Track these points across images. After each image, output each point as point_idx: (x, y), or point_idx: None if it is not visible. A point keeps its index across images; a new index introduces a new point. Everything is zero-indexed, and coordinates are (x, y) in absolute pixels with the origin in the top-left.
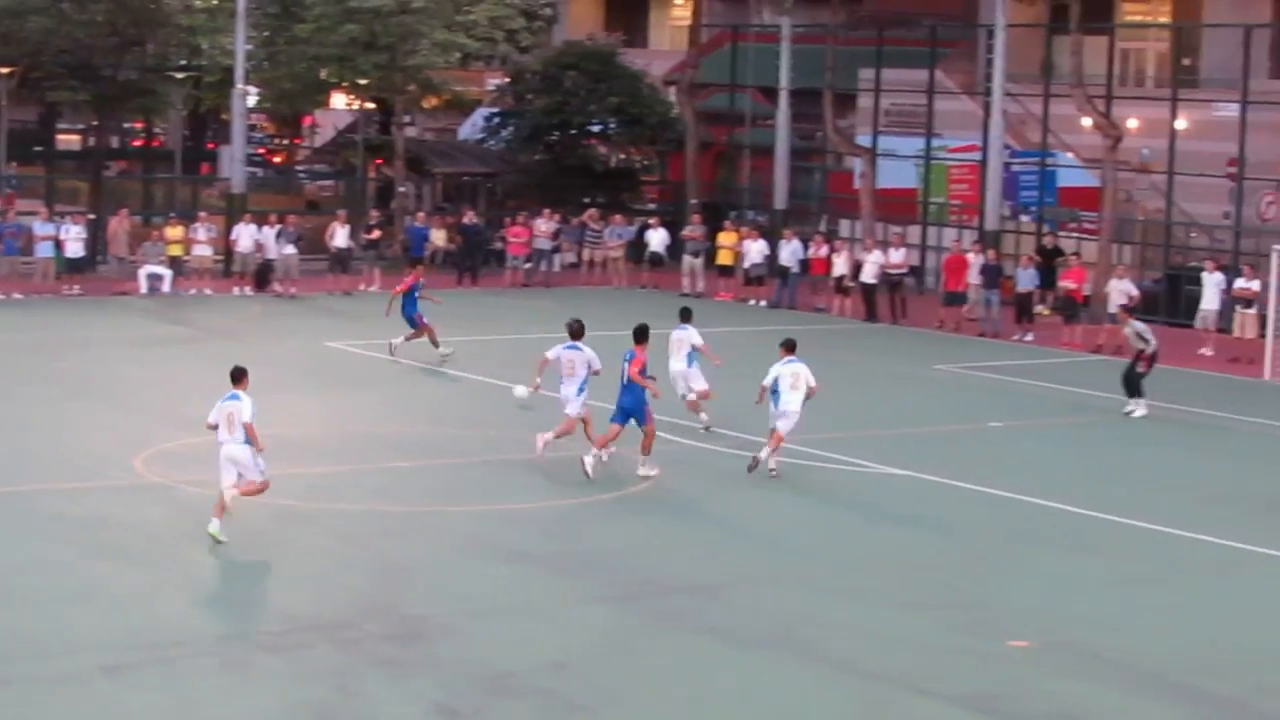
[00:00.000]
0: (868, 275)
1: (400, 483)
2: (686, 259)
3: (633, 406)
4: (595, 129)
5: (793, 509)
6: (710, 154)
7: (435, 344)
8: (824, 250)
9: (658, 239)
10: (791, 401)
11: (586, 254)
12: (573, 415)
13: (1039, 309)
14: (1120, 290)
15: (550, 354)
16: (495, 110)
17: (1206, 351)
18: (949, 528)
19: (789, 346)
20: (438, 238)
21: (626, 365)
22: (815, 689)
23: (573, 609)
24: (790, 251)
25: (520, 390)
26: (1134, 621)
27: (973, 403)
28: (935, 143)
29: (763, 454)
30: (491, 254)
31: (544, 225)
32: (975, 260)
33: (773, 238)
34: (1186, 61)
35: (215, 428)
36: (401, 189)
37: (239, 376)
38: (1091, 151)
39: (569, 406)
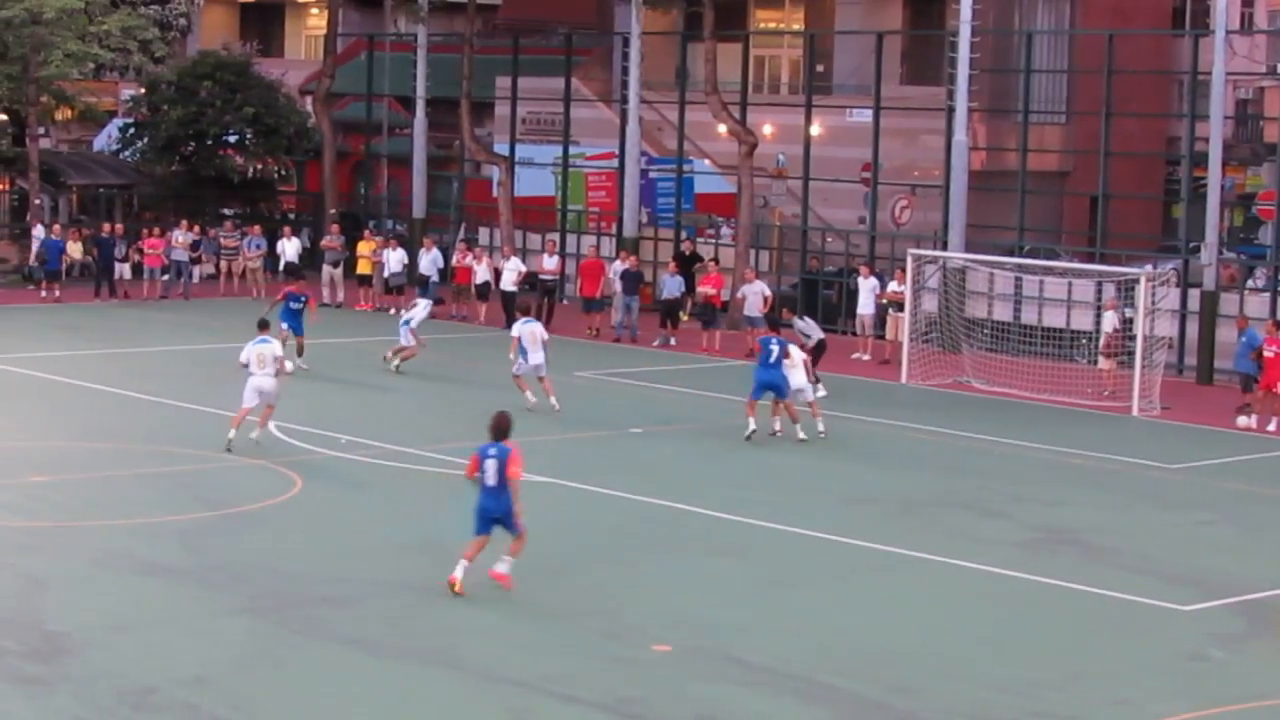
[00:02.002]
0: (507, 283)
1: (37, 498)
2: (326, 269)
3: (773, 381)
4: (231, 139)
5: (434, 518)
6: (347, 163)
7: (299, 353)
8: (467, 259)
9: (291, 249)
10: (794, 379)
11: (224, 265)
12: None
13: (681, 315)
14: (755, 293)
15: (514, 331)
16: (130, 121)
17: (863, 356)
18: (591, 534)
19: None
20: (73, 250)
21: (777, 349)
22: (458, 698)
23: (214, 622)
24: (430, 260)
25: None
26: (775, 624)
27: (613, 409)
28: (572, 150)
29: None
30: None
31: (181, 237)
32: (618, 266)
33: (412, 247)
34: (820, 68)
35: (246, 365)
36: (36, 202)
37: (265, 325)
38: (728, 158)
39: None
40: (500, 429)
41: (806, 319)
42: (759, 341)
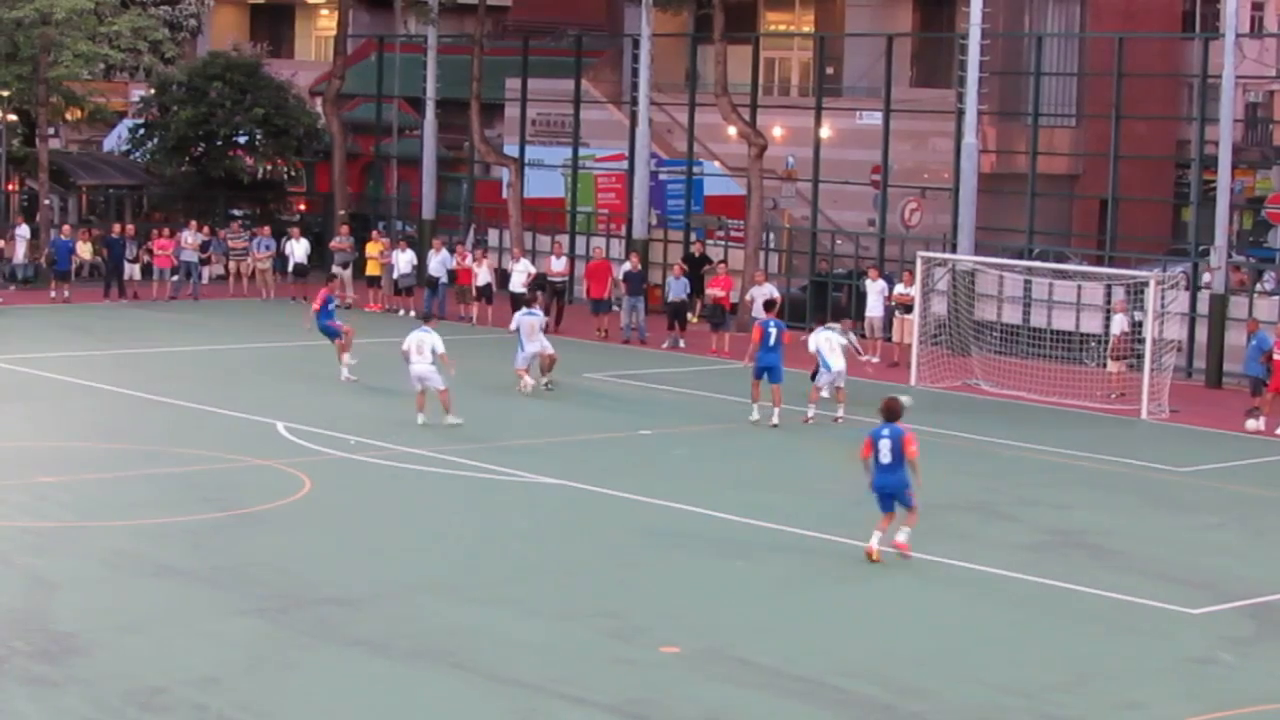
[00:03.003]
0: (516, 284)
1: (46, 498)
2: (335, 270)
3: (773, 364)
4: (241, 140)
5: (444, 519)
6: (357, 165)
7: (340, 359)
8: (467, 260)
9: (300, 250)
10: (836, 362)
11: (233, 266)
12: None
13: (690, 317)
14: (764, 295)
15: (514, 323)
16: (140, 122)
17: (872, 359)
18: (601, 536)
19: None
20: (83, 250)
21: (777, 331)
22: (466, 699)
23: (224, 622)
24: (439, 261)
25: None
26: (783, 626)
27: (623, 411)
28: (582, 152)
29: (810, 411)
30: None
31: (190, 237)
32: (624, 268)
33: (422, 248)
34: (830, 71)
35: (406, 352)
36: (46, 202)
37: (428, 318)
38: (737, 160)
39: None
40: (892, 412)
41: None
42: (760, 324)
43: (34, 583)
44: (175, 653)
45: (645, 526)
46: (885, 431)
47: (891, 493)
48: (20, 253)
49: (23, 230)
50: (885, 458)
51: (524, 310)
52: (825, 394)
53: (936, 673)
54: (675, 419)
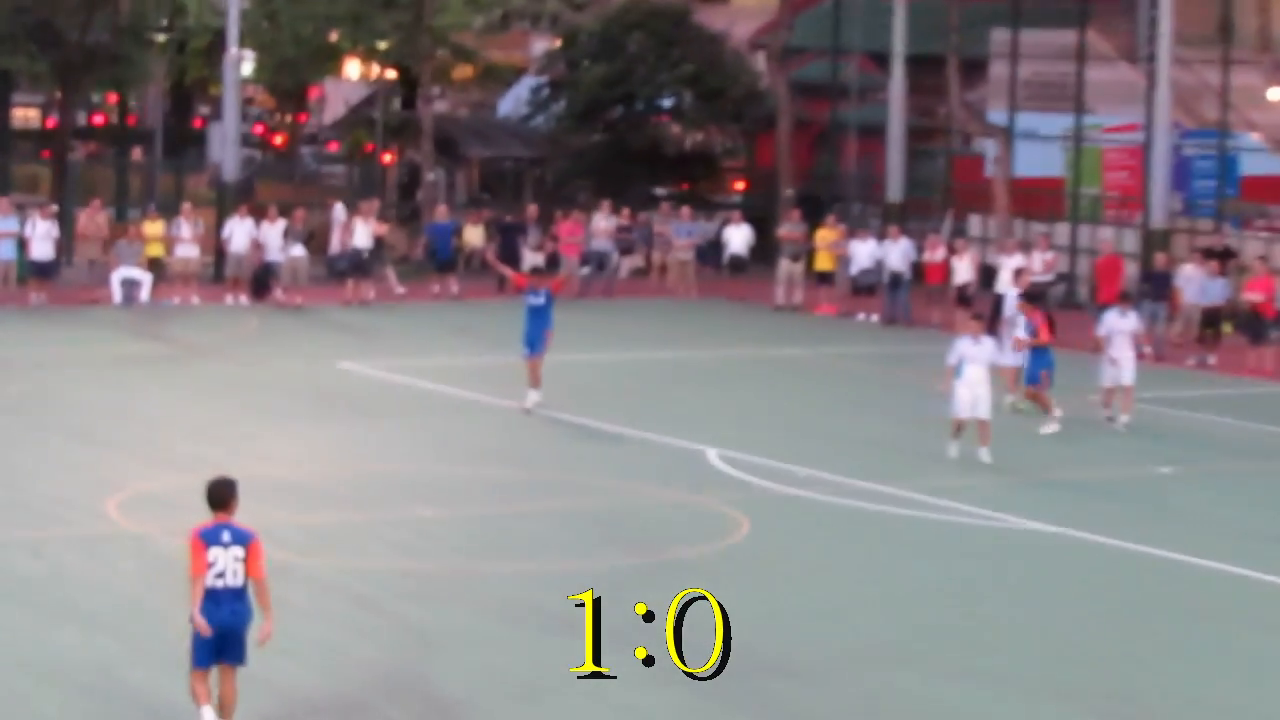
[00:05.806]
0: (1003, 284)
1: (428, 535)
2: (784, 264)
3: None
4: (665, 104)
5: (907, 572)
6: (808, 135)
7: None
8: (940, 253)
9: (739, 238)
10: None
11: (658, 257)
12: None
13: (1225, 327)
14: None
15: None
16: (543, 81)
17: None
18: (1105, 597)
19: (1126, 299)
20: (472, 236)
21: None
22: None
23: (641, 693)
24: (900, 253)
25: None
26: None
27: (1138, 441)
28: (1087, 121)
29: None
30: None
31: (603, 222)
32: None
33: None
34: None
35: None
36: (430, 177)
37: (980, 318)
38: None
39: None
40: None
41: None
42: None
43: (411, 636)
44: None
45: (1162, 586)
46: None
47: None
48: (360, 237)
49: (338, 212)
50: None
51: (1117, 311)
52: None
53: None
54: (1200, 454)
